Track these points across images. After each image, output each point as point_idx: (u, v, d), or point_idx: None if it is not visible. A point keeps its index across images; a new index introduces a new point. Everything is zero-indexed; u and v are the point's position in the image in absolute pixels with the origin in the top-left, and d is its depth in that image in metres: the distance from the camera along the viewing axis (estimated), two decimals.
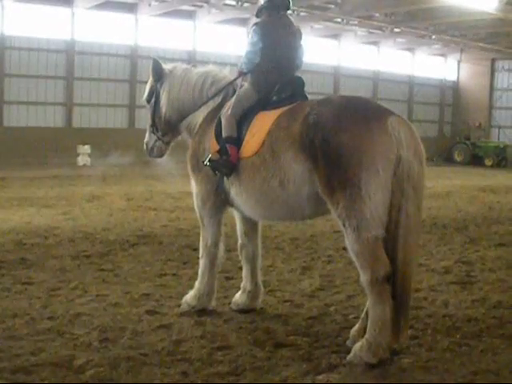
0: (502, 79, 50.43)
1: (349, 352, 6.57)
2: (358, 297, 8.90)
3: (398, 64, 48.48)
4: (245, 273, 8.33)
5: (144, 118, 32.75)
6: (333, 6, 35.66)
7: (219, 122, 7.69)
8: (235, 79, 8.17)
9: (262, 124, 7.30)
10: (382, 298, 6.41)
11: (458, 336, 7.27)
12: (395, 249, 6.45)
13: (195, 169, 8.01)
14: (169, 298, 8.58)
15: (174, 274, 9.86)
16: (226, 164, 7.38)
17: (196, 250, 11.57)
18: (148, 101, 8.73)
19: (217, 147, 7.59)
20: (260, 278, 8.27)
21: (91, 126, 34.19)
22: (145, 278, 9.61)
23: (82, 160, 30.44)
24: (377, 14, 37.35)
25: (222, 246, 8.15)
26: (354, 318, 7.94)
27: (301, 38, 8.07)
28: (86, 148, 30.84)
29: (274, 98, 7.58)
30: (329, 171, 6.41)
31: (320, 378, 6.06)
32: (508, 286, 9.76)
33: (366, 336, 6.52)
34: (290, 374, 6.14)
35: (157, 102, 8.58)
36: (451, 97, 52.78)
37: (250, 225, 8.22)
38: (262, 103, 7.62)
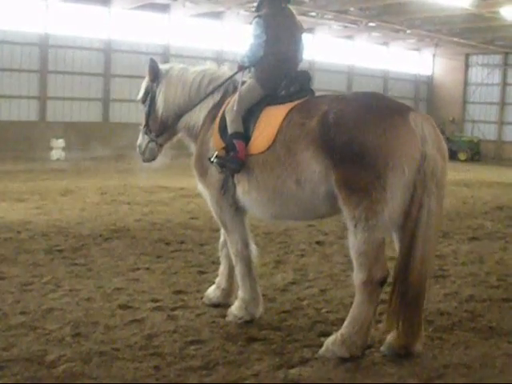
0: (476, 74, 50.73)
1: (321, 346, 6.61)
2: (331, 291, 8.96)
3: (372, 58, 48.60)
4: (222, 270, 8.29)
5: (118, 112, 32.35)
6: (307, 0, 35.66)
7: (223, 119, 7.48)
8: (234, 74, 7.95)
9: (272, 119, 7.10)
10: (371, 299, 6.42)
11: (430, 329, 7.31)
12: (413, 246, 6.34)
13: (202, 173, 7.73)
14: (142, 292, 8.56)
15: (147, 269, 9.83)
16: (235, 160, 7.13)
17: (169, 243, 11.61)
18: (143, 101, 8.47)
19: (221, 144, 7.37)
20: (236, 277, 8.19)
21: (65, 120, 34.01)
22: (118, 272, 9.58)
23: (56, 154, 30.22)
24: (351, 8, 37.37)
25: (253, 246, 7.81)
26: (327, 312, 8.00)
27: (303, 31, 7.89)
28: (60, 142, 30.61)
29: (282, 92, 7.40)
30: (351, 172, 6.27)
31: (292, 371, 6.09)
32: (480, 280, 9.84)
33: (342, 331, 6.53)
34: (263, 368, 6.16)
35: (152, 103, 8.34)
36: (425, 91, 53.06)
37: None
38: (269, 98, 7.42)
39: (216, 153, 7.34)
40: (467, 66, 51.13)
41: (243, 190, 7.28)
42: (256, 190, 7.13)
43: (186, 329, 7.18)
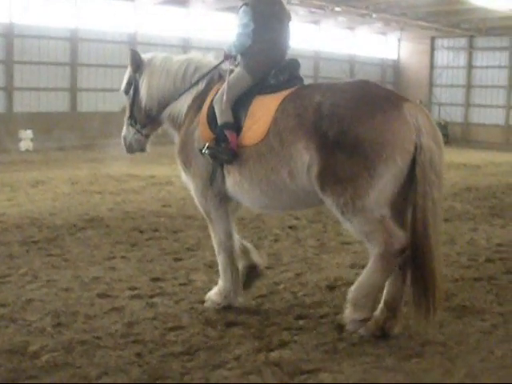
0: (442, 57, 50.96)
1: (299, 329, 6.78)
2: (306, 274, 9.08)
3: (338, 43, 48.69)
4: None
5: (85, 101, 31.96)
6: None
7: (211, 109, 7.35)
8: (220, 63, 7.81)
9: (265, 110, 7.01)
10: (387, 269, 6.47)
11: (405, 309, 7.43)
12: (426, 235, 6.41)
13: (187, 162, 7.61)
14: (119, 280, 8.63)
15: (122, 257, 9.89)
16: (227, 151, 7.05)
17: (143, 232, 11.68)
18: (126, 92, 8.30)
19: (211, 135, 7.27)
20: None
21: (32, 111, 33.75)
22: (94, 261, 9.63)
23: (25, 145, 30.02)
24: None
25: (236, 236, 7.74)
26: (303, 295, 8.12)
27: (290, 18, 7.74)
28: (28, 133, 30.41)
29: (272, 81, 7.28)
30: (342, 162, 6.31)
31: (273, 354, 6.20)
32: (452, 261, 10.00)
33: (349, 297, 6.65)
34: (243, 351, 6.27)
35: (136, 94, 8.14)
36: (392, 75, 53.25)
37: None
38: (259, 87, 7.31)
39: (207, 144, 7.23)
40: (433, 50, 51.31)
41: (234, 182, 7.21)
42: (248, 181, 7.08)
43: (166, 315, 7.27)
